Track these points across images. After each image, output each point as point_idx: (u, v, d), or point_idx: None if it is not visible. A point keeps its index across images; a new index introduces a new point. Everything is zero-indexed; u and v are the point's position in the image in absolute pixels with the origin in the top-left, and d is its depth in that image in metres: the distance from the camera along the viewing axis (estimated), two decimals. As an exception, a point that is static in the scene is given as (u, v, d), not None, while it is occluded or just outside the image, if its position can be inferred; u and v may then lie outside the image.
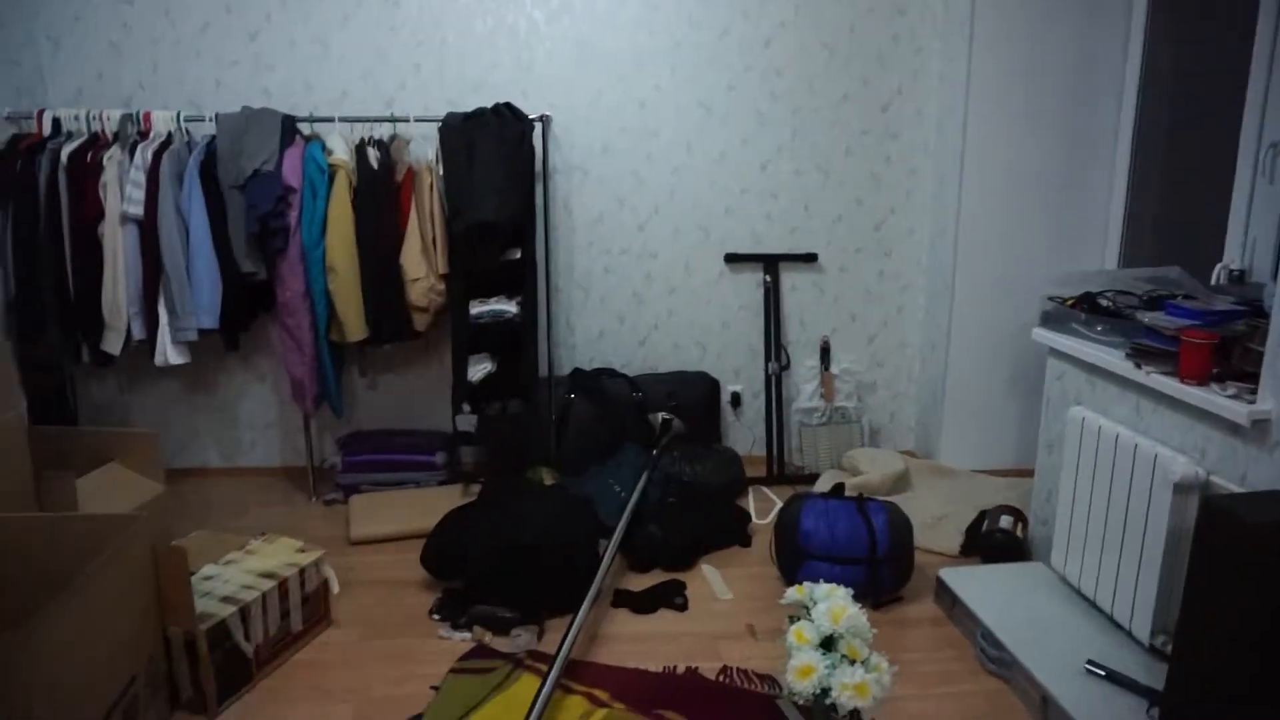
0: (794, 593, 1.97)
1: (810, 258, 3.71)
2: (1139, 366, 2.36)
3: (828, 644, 1.81)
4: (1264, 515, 1.78)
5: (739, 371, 3.80)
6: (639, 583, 2.80)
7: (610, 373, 3.61)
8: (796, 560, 2.70)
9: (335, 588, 2.66)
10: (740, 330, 3.76)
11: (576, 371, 3.60)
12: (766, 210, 3.65)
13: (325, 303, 3.21)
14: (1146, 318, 2.40)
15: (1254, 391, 2.05)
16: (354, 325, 3.26)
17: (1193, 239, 2.97)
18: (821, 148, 3.61)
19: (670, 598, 2.71)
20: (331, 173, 3.17)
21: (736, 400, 3.81)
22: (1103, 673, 2.18)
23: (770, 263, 3.68)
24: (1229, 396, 2.08)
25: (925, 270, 3.77)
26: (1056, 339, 2.76)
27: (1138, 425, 2.41)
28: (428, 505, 3.13)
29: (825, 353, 3.79)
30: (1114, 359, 2.47)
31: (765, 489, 3.56)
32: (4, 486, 2.17)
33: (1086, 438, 2.52)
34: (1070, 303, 2.78)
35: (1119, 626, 2.38)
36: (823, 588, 1.93)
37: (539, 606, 2.55)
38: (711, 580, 2.84)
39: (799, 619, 1.91)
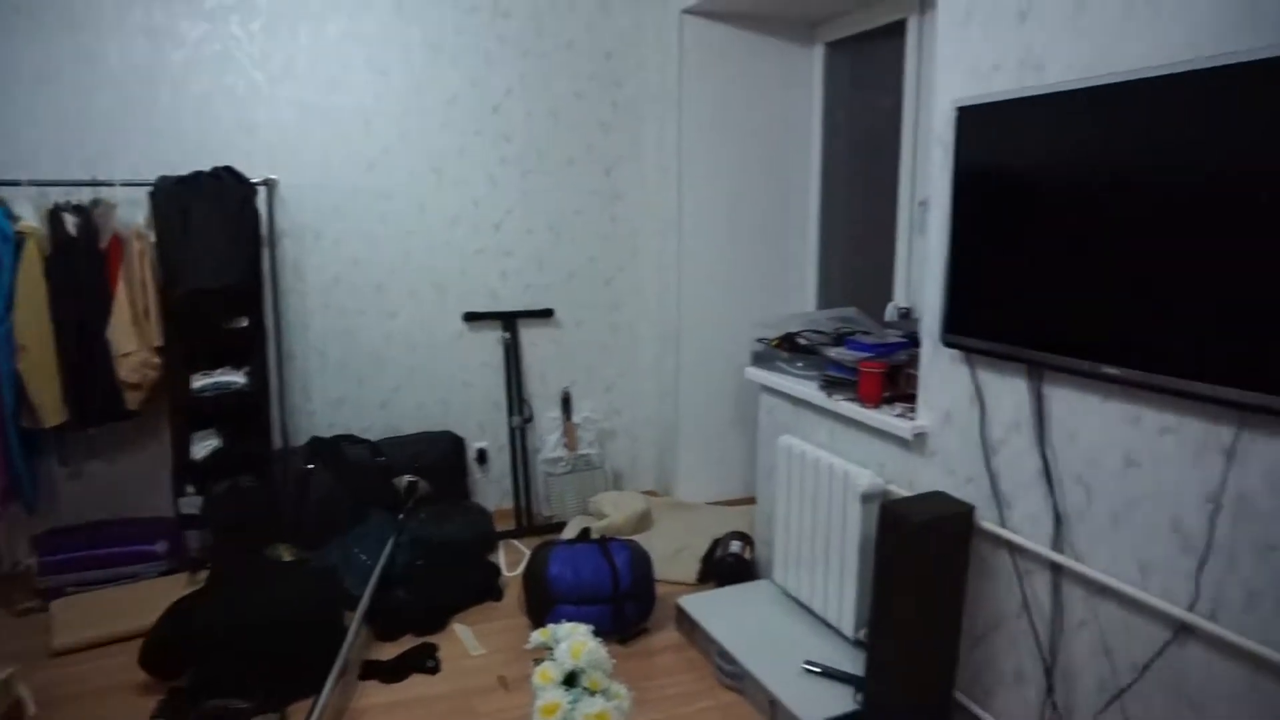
0: (538, 636, 2.02)
1: (547, 313, 3.86)
2: (830, 395, 2.71)
3: (570, 680, 1.88)
4: (924, 514, 2.11)
5: (484, 427, 3.84)
6: (389, 651, 2.73)
7: (351, 439, 3.51)
8: (546, 607, 2.77)
9: (31, 709, 2.35)
10: (483, 387, 3.81)
11: (315, 440, 3.47)
12: (502, 269, 3.76)
13: (13, 384, 2.88)
14: (833, 352, 2.77)
15: (915, 410, 2.43)
16: (50, 408, 2.95)
17: (876, 281, 3.45)
18: (551, 209, 3.80)
19: (422, 661, 2.67)
20: (19, 240, 2.87)
21: (483, 456, 3.84)
22: (818, 670, 2.45)
23: (508, 320, 3.78)
24: (896, 416, 2.45)
25: (654, 321, 4.04)
26: (766, 376, 3.09)
27: (832, 447, 2.75)
28: (147, 600, 2.85)
29: (566, 403, 3.93)
30: (811, 390, 2.81)
31: (516, 542, 3.61)
32: None
33: (794, 462, 2.83)
34: (775, 343, 3.12)
35: (831, 627, 2.68)
36: (565, 627, 2.00)
37: (279, 691, 2.41)
38: (464, 638, 2.83)
39: (544, 661, 1.98)
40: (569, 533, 3.53)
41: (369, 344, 3.62)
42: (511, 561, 3.39)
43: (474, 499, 3.76)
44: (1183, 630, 1.72)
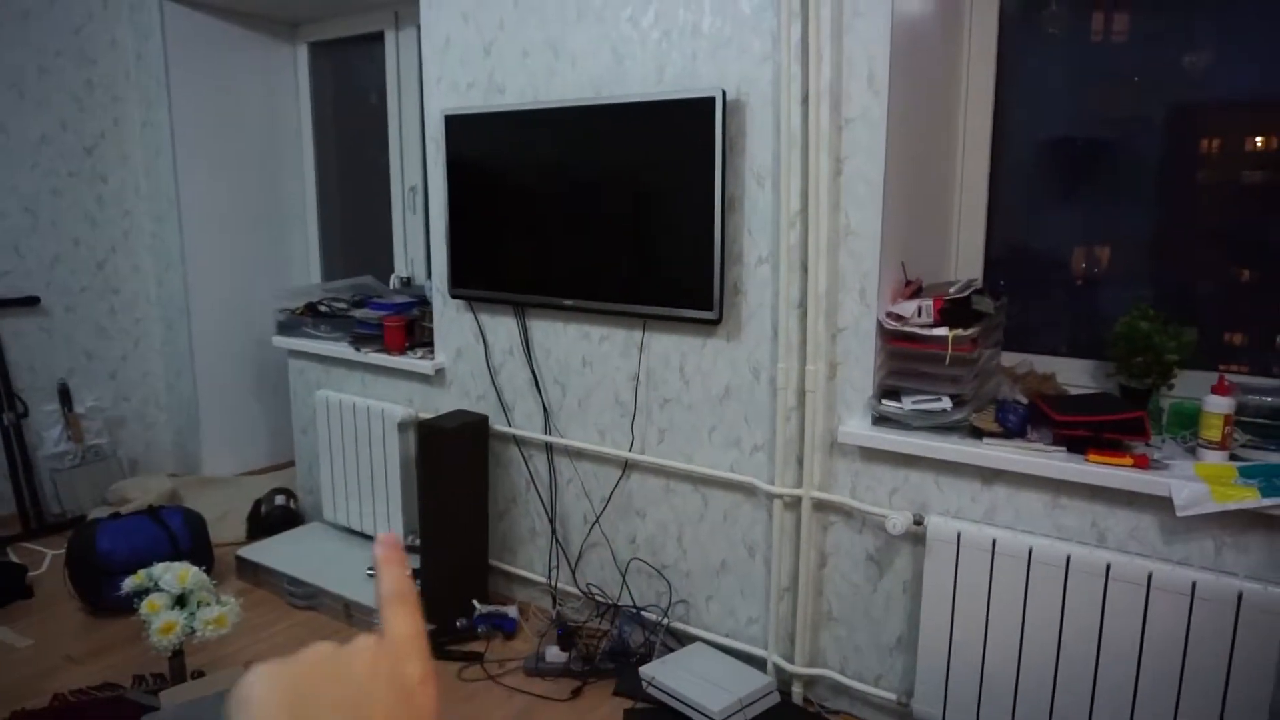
0: (132, 580, 2.22)
1: (31, 301, 3.61)
2: (359, 350, 3.21)
3: (181, 602, 2.15)
4: (452, 425, 2.77)
5: (-37, 432, 3.47)
6: (-91, 670, 2.52)
7: None
8: (100, 582, 2.81)
9: None
10: (-44, 387, 3.44)
11: None
12: (-33, 256, 3.43)
13: None
14: (358, 314, 3.26)
15: (433, 353, 3.07)
16: None
17: (376, 255, 3.97)
18: (25, 189, 3.55)
19: (-40, 667, 2.53)
20: None
21: (-34, 463, 3.48)
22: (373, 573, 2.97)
23: (-17, 310, 3.47)
24: (419, 358, 3.06)
25: (157, 303, 4.02)
26: (293, 342, 3.44)
27: (366, 392, 3.26)
28: None
29: (65, 394, 3.74)
30: (340, 349, 3.27)
31: (28, 544, 3.40)
32: None
33: (332, 411, 3.27)
34: (299, 312, 3.49)
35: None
36: (160, 566, 2.23)
37: None
38: (2, 637, 2.72)
39: (141, 604, 2.18)
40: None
41: None
42: (32, 562, 3.22)
43: (-37, 509, 3.40)
44: (628, 466, 2.66)
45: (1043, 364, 2.29)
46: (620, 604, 2.70)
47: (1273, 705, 1.70)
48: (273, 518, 3.49)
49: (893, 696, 2.23)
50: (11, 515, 3.51)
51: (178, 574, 2.15)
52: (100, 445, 3.84)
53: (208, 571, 3.06)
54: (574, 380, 2.72)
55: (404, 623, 0.42)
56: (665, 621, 2.60)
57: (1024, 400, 2.12)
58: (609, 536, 2.73)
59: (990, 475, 2.02)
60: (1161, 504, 1.80)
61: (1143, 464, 1.82)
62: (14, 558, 3.24)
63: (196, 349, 3.95)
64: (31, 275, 3.62)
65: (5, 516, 3.50)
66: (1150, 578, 1.78)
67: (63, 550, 2.99)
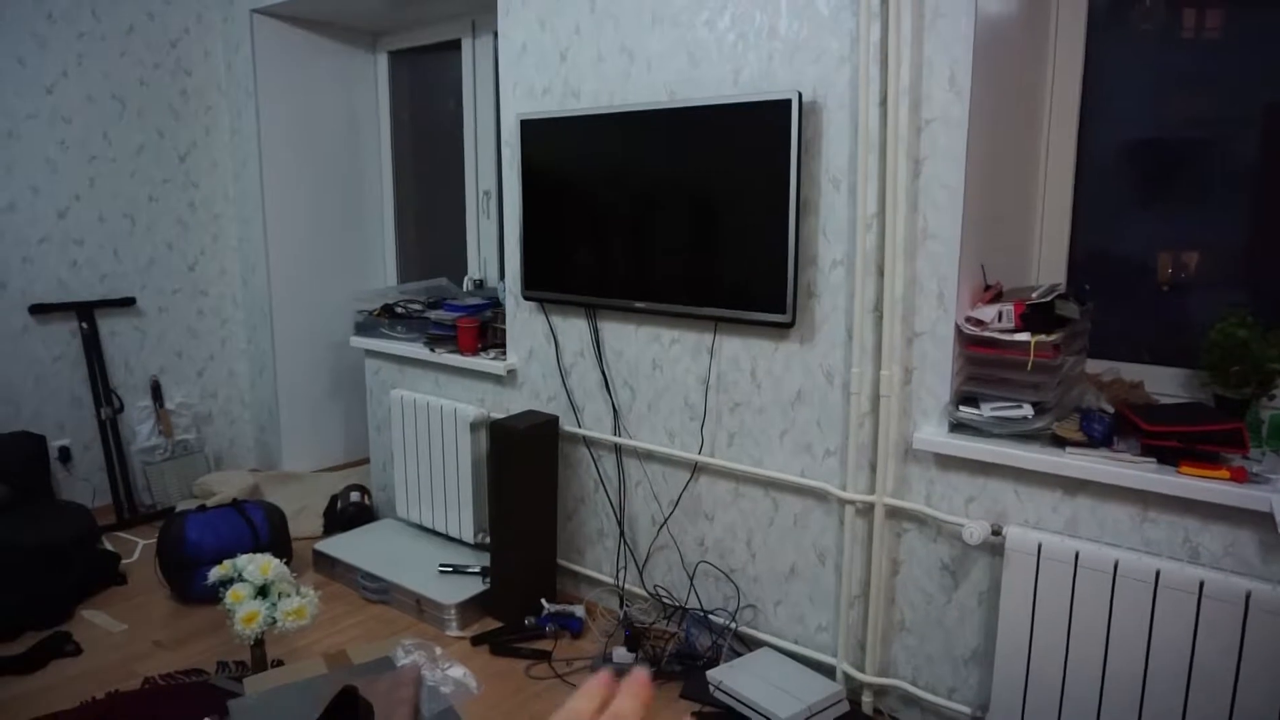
0: (218, 571, 2.31)
1: (128, 302, 3.79)
2: (433, 350, 3.27)
3: (263, 593, 2.22)
4: (523, 425, 2.80)
5: (64, 425, 3.66)
6: (13, 650, 2.66)
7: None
8: (188, 572, 2.93)
9: None
10: (58, 382, 3.63)
11: None
12: (72, 258, 3.62)
13: None
14: (433, 315, 3.33)
15: (505, 353, 3.11)
16: None
17: (450, 258, 4.06)
18: (124, 195, 3.74)
19: (59, 647, 2.67)
20: None
21: (66, 454, 3.67)
22: (450, 568, 3.03)
23: (83, 310, 3.65)
24: (491, 359, 3.11)
25: (242, 304, 4.18)
26: (370, 342, 3.54)
27: (439, 392, 3.33)
28: None
29: (157, 391, 3.91)
30: (415, 349, 3.34)
31: (122, 534, 3.56)
32: None
33: (406, 411, 3.35)
34: (376, 313, 3.58)
35: (454, 540, 3.27)
36: (244, 558, 2.32)
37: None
38: (98, 621, 2.86)
39: (225, 593, 2.27)
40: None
41: (-93, 346, 3.25)
42: (126, 550, 3.38)
43: (64, 497, 3.58)
44: (697, 469, 2.65)
45: (1129, 372, 2.21)
46: (688, 607, 2.69)
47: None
48: (348, 513, 3.58)
49: (967, 710, 2.17)
50: (107, 506, 3.69)
51: (260, 565, 2.23)
52: (188, 440, 4.00)
53: (287, 564, 3.16)
54: (644, 382, 2.73)
55: None
56: (733, 626, 2.59)
57: (1110, 409, 2.05)
58: (677, 539, 2.73)
59: (1074, 486, 1.96)
60: (1261, 520, 1.72)
61: (1240, 477, 1.74)
62: (109, 546, 3.40)
63: (278, 349, 4.08)
64: (128, 277, 3.80)
65: (101, 507, 3.67)
66: (1249, 597, 1.70)
67: (153, 540, 3.12)
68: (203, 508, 3.13)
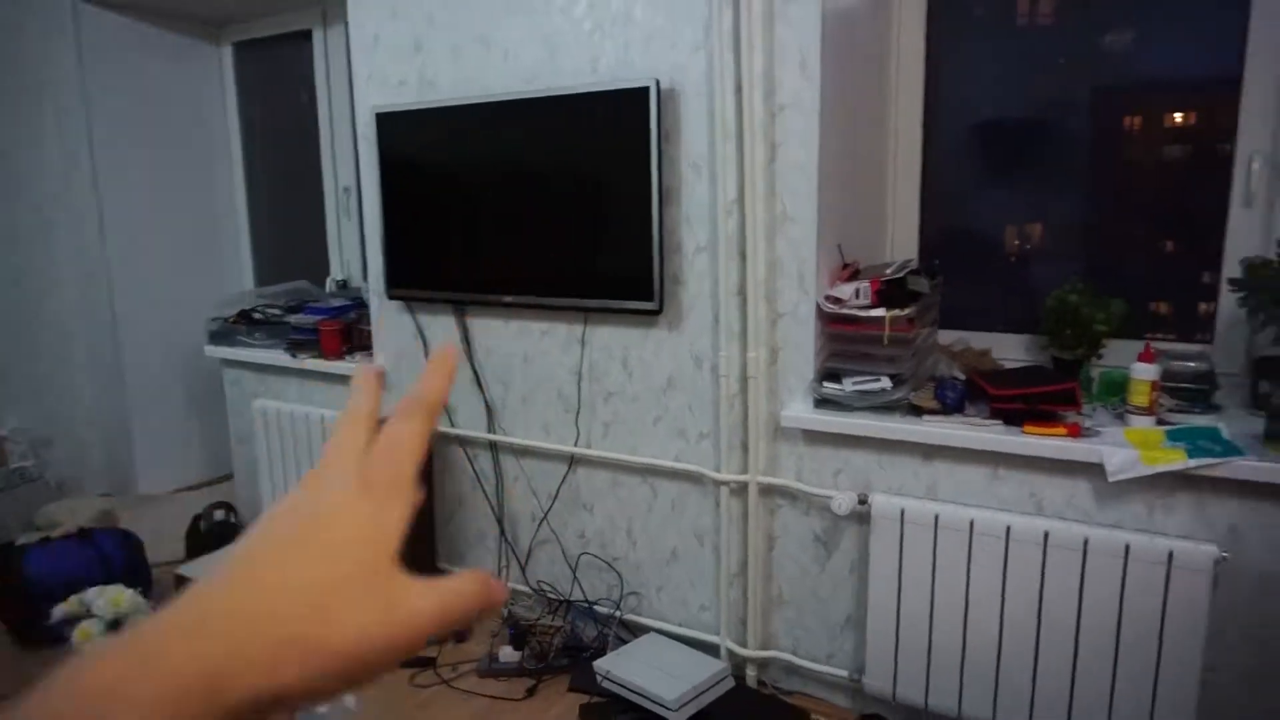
0: (63, 608, 2.13)
1: (-55, 320, 3.45)
2: (295, 356, 3.13)
3: (115, 628, 2.07)
4: (396, 427, 2.71)
5: (-124, 459, 3.31)
6: None
7: None
8: (30, 611, 2.69)
9: None
10: None
11: None
12: (-127, 274, 3.26)
13: None
14: (293, 319, 3.19)
15: (372, 355, 3.01)
16: None
17: (311, 259, 3.88)
18: (-69, 203, 3.40)
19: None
20: None
21: (-120, 492, 3.31)
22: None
23: (-108, 331, 3.30)
24: (357, 363, 3.00)
25: (79, 316, 3.88)
26: (227, 351, 3.35)
27: (304, 399, 3.19)
28: None
29: (-14, 417, 3.58)
30: (276, 356, 3.19)
31: (-49, 573, 3.24)
32: None
33: (270, 421, 3.19)
34: (232, 320, 3.39)
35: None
36: (92, 591, 2.15)
37: None
38: (-74, 672, 2.60)
39: (73, 632, 2.10)
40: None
41: None
42: (-45, 591, 3.08)
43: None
44: (574, 461, 2.64)
45: (979, 341, 2.34)
46: (572, 599, 2.68)
47: (1204, 660, 1.75)
48: (213, 533, 3.39)
49: (844, 674, 2.25)
50: (-68, 545, 3.35)
51: (111, 598, 2.07)
52: (25, 468, 3.69)
53: (145, 593, 2.95)
54: (516, 378, 2.69)
55: (410, 427, 0.39)
56: (618, 614, 2.59)
57: (961, 377, 2.16)
58: (558, 532, 2.71)
59: (930, 451, 2.06)
60: (1094, 470, 1.85)
61: (1075, 433, 1.87)
62: (-64, 589, 3.09)
63: (127, 362, 3.81)
64: (-57, 293, 3.47)
65: (-75, 546, 3.33)
66: (1086, 542, 1.83)
67: (-12, 578, 2.86)
68: (46, 539, 2.89)
